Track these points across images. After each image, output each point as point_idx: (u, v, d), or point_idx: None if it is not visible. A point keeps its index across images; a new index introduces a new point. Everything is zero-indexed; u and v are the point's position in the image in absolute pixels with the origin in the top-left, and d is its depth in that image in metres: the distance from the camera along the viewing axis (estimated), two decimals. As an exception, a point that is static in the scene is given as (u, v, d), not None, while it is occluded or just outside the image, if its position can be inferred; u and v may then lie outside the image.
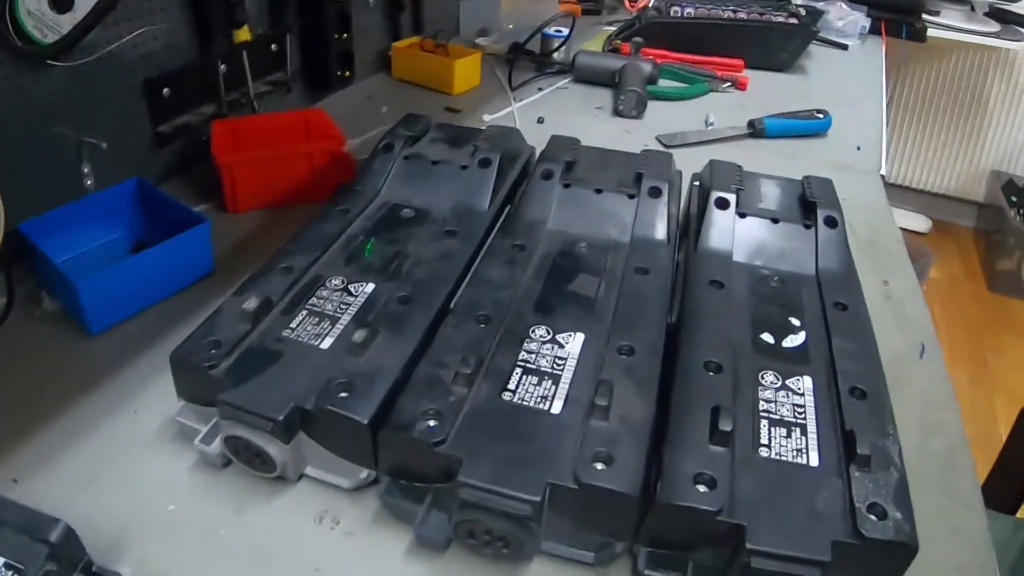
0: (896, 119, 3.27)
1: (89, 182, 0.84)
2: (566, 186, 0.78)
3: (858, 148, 1.24)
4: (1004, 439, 2.33)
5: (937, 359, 0.80)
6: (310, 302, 0.62)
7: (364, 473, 0.55)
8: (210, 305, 0.74)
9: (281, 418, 0.52)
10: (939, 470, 0.65)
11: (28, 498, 0.52)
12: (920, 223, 3.35)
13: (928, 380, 0.76)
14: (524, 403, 0.54)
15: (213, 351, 0.56)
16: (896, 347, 0.80)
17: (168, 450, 0.60)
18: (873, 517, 0.48)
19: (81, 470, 0.58)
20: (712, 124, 1.26)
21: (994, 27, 2.46)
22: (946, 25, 2.40)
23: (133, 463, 0.59)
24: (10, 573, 0.42)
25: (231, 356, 0.57)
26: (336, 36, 1.18)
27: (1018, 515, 1.08)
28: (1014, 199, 3.05)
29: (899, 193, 3.40)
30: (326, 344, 0.58)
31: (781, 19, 1.53)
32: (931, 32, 2.22)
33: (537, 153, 0.88)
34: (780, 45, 1.53)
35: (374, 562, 0.53)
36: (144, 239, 0.82)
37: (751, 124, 1.23)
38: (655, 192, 0.77)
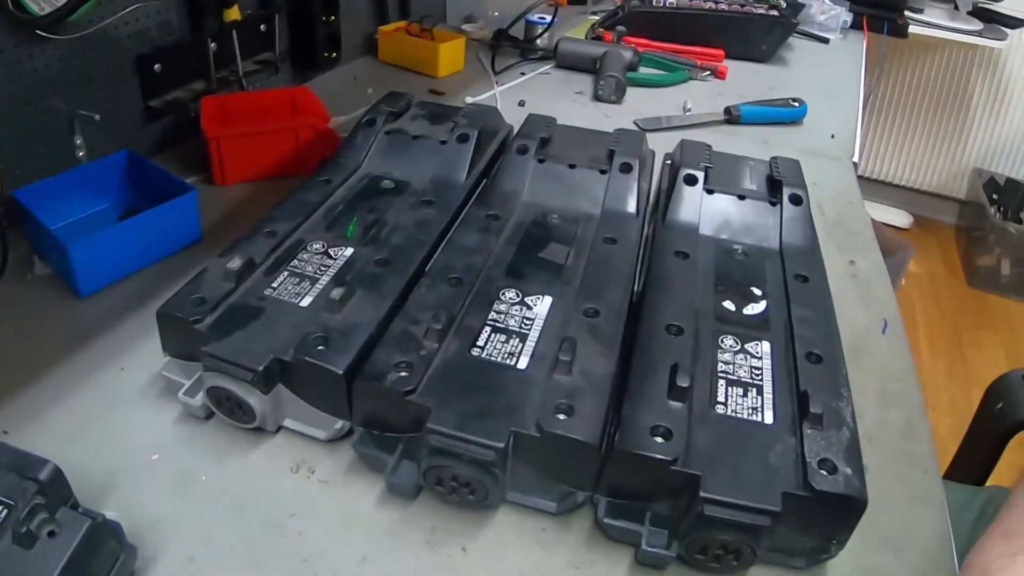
0: (879, 115, 3.30)
1: (81, 153, 0.87)
2: (540, 161, 0.81)
3: (832, 136, 1.27)
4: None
5: (899, 335, 0.82)
6: (292, 264, 0.65)
7: (339, 424, 0.58)
8: (197, 270, 0.78)
9: (261, 368, 0.55)
10: (897, 438, 0.68)
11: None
12: (901, 219, 3.39)
13: (888, 354, 0.79)
14: (491, 358, 0.57)
15: (198, 307, 0.59)
16: (861, 323, 0.83)
17: (153, 404, 0.63)
18: (824, 472, 0.50)
19: (70, 423, 0.61)
20: (689, 110, 1.28)
21: (977, 26, 2.48)
22: (929, 23, 2.43)
23: (120, 416, 0.62)
24: (0, 508, 0.45)
25: (215, 312, 0.59)
26: (324, 18, 1.20)
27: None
28: (995, 196, 3.09)
29: (881, 189, 3.44)
30: (305, 302, 0.61)
31: (762, 11, 1.56)
32: (914, 29, 2.24)
33: (514, 132, 0.91)
34: (760, 36, 1.55)
35: (347, 508, 0.56)
36: (134, 208, 0.84)
37: (727, 111, 1.26)
38: (626, 168, 0.80)
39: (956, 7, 2.53)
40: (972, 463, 1.05)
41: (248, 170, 0.94)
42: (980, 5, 2.54)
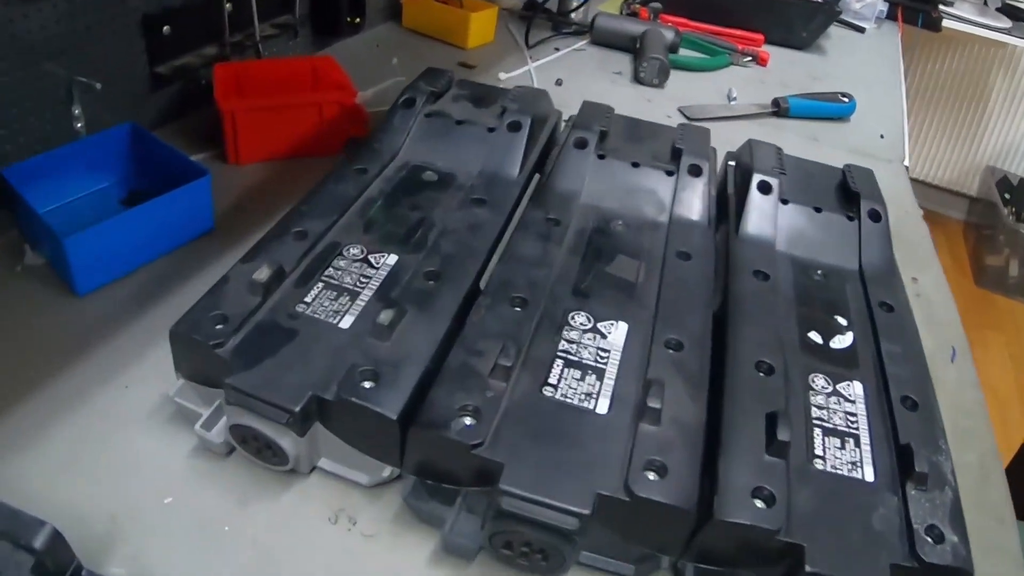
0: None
1: (79, 125, 0.77)
2: (600, 156, 0.73)
3: (881, 136, 1.20)
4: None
5: (967, 363, 0.76)
6: (326, 273, 0.56)
7: (387, 471, 0.50)
8: (210, 266, 0.69)
9: (298, 409, 0.46)
10: (971, 483, 0.61)
11: (6, 485, 0.47)
12: (909, 212, 3.33)
13: (958, 385, 0.73)
14: (567, 400, 0.49)
15: (219, 327, 0.50)
16: (927, 349, 0.76)
17: (164, 432, 0.54)
18: (930, 540, 0.45)
19: (65, 451, 0.52)
20: (735, 99, 1.20)
21: (1006, 23, 2.42)
22: (960, 17, 2.36)
23: (124, 446, 0.53)
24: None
25: (239, 333, 0.50)
26: (347, -21, 1.11)
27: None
28: (1007, 196, 3.04)
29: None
30: (346, 323, 0.52)
31: (804, -5, 1.48)
32: (945, 23, 2.17)
33: (563, 118, 0.82)
34: (802, 22, 1.47)
35: (394, 569, 0.48)
36: (137, 189, 0.75)
37: (775, 102, 1.18)
38: (695, 171, 0.72)
39: (985, 3, 2.46)
40: (1018, 495, 0.99)
41: (266, 149, 0.85)
42: (1009, 3, 2.47)
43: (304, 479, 0.52)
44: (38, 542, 0.38)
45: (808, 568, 0.43)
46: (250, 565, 0.47)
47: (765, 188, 0.71)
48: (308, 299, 0.54)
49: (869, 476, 0.49)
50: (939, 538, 0.45)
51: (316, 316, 0.52)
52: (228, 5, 0.90)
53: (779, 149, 0.78)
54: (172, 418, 0.55)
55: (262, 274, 0.53)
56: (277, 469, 0.51)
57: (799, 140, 1.13)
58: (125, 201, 0.75)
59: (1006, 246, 2.89)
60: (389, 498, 0.51)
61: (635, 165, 0.72)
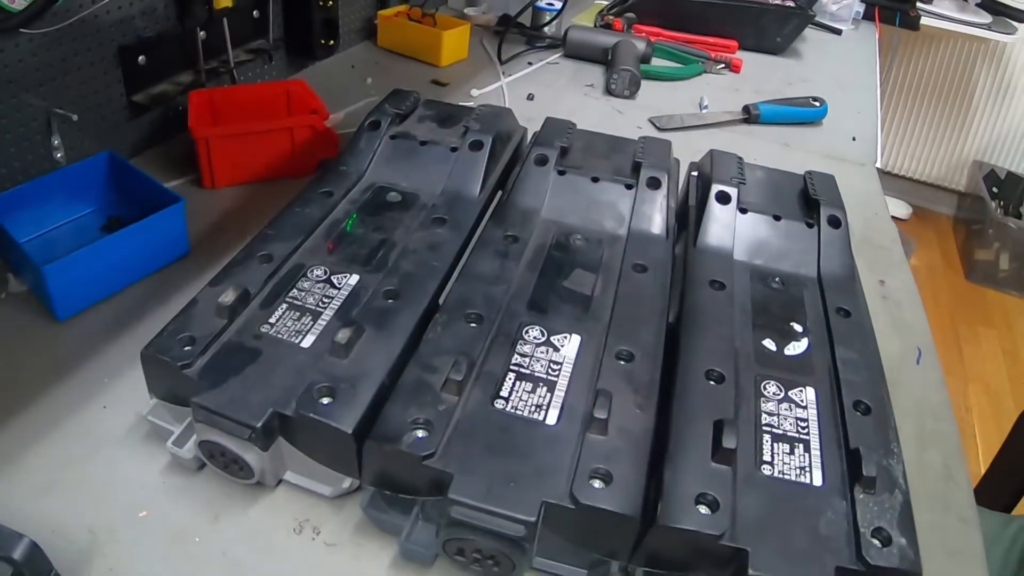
0: (881, 104, 3.25)
1: (59, 155, 0.79)
2: (561, 173, 0.75)
3: (853, 139, 1.22)
4: (976, 428, 2.35)
5: (933, 364, 0.78)
6: (290, 294, 0.58)
7: (347, 482, 0.52)
8: (185, 289, 0.71)
9: (259, 425, 0.48)
10: (935, 484, 0.64)
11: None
12: (901, 209, 3.35)
13: (923, 387, 0.74)
14: (518, 412, 0.51)
15: (187, 348, 0.52)
16: (894, 351, 0.78)
17: (140, 449, 0.57)
18: (877, 543, 0.46)
19: (46, 471, 0.55)
20: (706, 107, 1.22)
21: (986, 18, 2.44)
22: (939, 14, 2.38)
23: (102, 463, 0.56)
24: (-29, 594, 0.39)
25: (206, 354, 0.53)
26: (320, 3, 1.12)
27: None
28: (995, 190, 3.05)
29: (880, 178, 3.39)
30: (307, 342, 0.54)
31: (778, 1, 1.50)
32: (923, 20, 2.19)
33: (529, 134, 0.85)
34: (776, 28, 1.49)
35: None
36: (116, 215, 0.78)
37: (746, 109, 1.20)
38: (654, 183, 0.74)
39: (966, -1, 2.48)
40: (1003, 488, 1.01)
41: (240, 172, 0.87)
42: (988, -2, 2.49)
43: (271, 492, 0.54)
44: (17, 553, 0.40)
45: (751, 572, 0.44)
46: (220, 575, 0.49)
47: (723, 198, 0.73)
48: (272, 320, 0.56)
49: (818, 481, 0.50)
50: (886, 541, 0.46)
51: (279, 336, 0.55)
52: (202, 33, 0.92)
53: (740, 158, 0.80)
54: (147, 436, 0.57)
55: (227, 297, 0.55)
56: (245, 482, 0.53)
57: (770, 146, 1.15)
58: (105, 228, 0.77)
59: (995, 240, 2.91)
60: (351, 509, 0.53)
61: (595, 180, 0.74)
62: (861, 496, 0.48)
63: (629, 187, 0.74)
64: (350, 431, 0.48)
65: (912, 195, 3.43)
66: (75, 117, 0.79)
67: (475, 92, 1.19)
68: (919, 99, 3.20)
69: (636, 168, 0.76)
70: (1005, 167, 3.15)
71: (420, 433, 0.48)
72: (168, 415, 0.55)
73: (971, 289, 2.99)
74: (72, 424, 0.58)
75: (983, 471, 1.26)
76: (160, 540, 0.51)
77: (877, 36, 1.84)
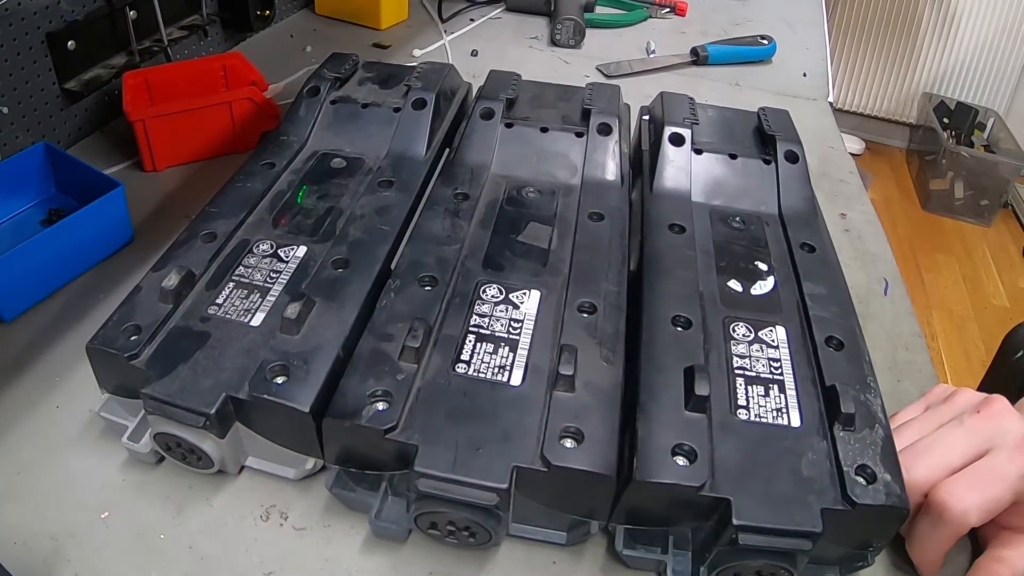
0: (829, 40, 3.25)
1: (-7, 151, 0.75)
2: (508, 125, 0.72)
3: (804, 75, 1.20)
4: (943, 355, 2.38)
5: (902, 295, 0.77)
6: (237, 272, 0.56)
7: (310, 463, 0.50)
8: (132, 277, 0.68)
9: (213, 411, 0.46)
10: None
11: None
12: (854, 144, 3.36)
13: (893, 318, 0.74)
14: (480, 375, 0.49)
15: (133, 337, 0.49)
16: (860, 284, 0.77)
17: (96, 447, 0.54)
18: (862, 480, 0.45)
19: (2, 477, 0.52)
20: (654, 52, 1.20)
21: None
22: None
23: (59, 465, 0.53)
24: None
25: (153, 342, 0.50)
26: (252, -28, 1.08)
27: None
28: (946, 120, 3.07)
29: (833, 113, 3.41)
30: (257, 320, 0.52)
31: (719, -61, 1.47)
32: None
33: (474, 89, 0.82)
34: (720, -33, 1.46)
35: (329, 559, 0.48)
36: (57, 208, 0.74)
37: (694, 51, 1.17)
38: (605, 129, 0.72)
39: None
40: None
41: (180, 152, 0.83)
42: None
43: (234, 479, 0.52)
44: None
45: (735, 521, 0.43)
46: (187, 570, 0.47)
47: (677, 140, 0.71)
48: (220, 300, 0.53)
49: (796, 422, 0.48)
50: (871, 477, 0.45)
51: (228, 317, 0.52)
52: (132, 12, 0.88)
53: (691, 99, 0.78)
54: (103, 433, 0.55)
55: (171, 281, 0.52)
56: (205, 472, 0.51)
57: (721, 87, 1.13)
58: (45, 222, 0.74)
59: (949, 169, 2.93)
60: (318, 490, 0.51)
61: (544, 130, 0.72)
62: (841, 434, 0.47)
63: (579, 135, 0.72)
64: (307, 410, 0.46)
65: (865, 130, 3.44)
66: (5, 110, 0.75)
67: (417, 52, 1.15)
68: (866, 34, 3.20)
69: (585, 115, 0.73)
70: (955, 97, 3.17)
71: (380, 406, 0.46)
72: (121, 409, 0.53)
73: (928, 219, 3.02)
74: (25, 427, 0.55)
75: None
76: (125, 540, 0.48)
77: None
